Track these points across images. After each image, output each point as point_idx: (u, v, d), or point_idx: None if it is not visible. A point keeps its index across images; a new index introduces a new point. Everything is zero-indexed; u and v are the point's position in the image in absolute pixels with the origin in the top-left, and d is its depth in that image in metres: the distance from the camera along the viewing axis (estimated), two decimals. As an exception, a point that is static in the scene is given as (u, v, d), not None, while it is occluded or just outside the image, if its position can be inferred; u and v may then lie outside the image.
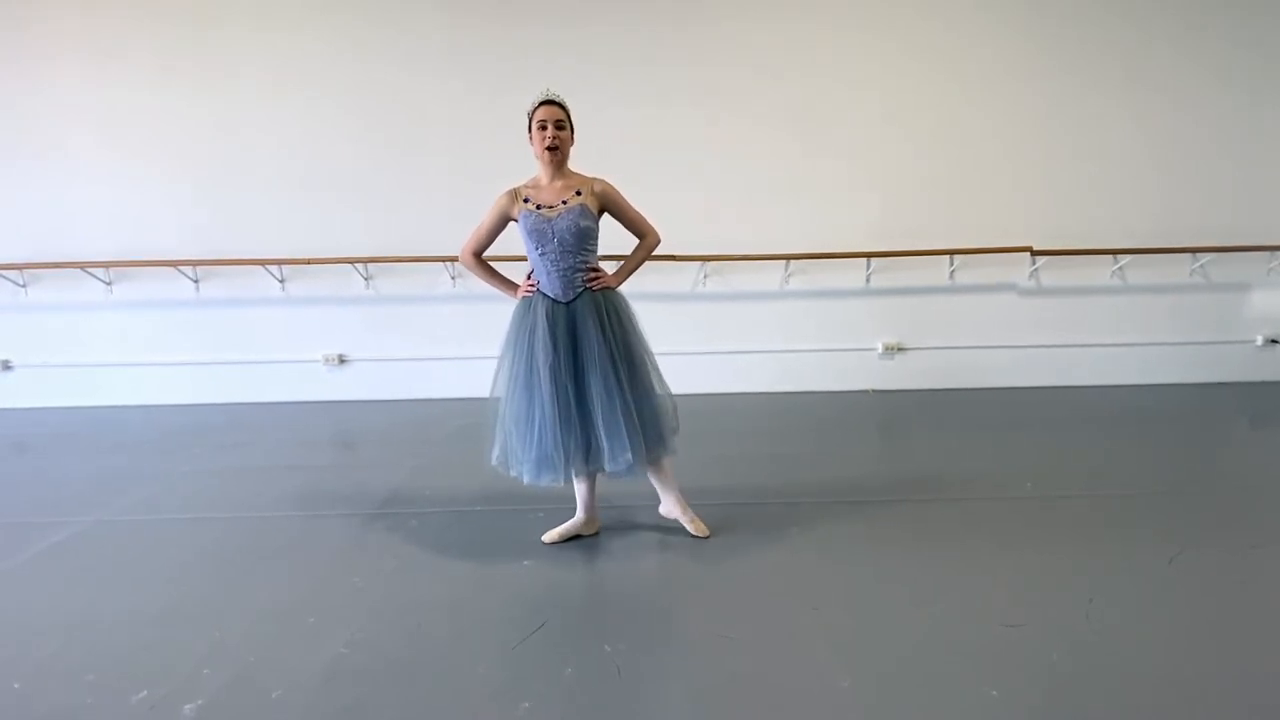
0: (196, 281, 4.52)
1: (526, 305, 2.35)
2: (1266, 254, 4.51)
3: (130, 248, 4.42)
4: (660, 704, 1.64)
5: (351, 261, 4.43)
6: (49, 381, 4.63)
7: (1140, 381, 4.64)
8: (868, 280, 4.56)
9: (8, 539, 2.61)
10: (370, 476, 3.22)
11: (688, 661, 1.81)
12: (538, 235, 2.25)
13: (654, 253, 2.48)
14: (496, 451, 2.40)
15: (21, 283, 4.51)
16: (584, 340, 2.28)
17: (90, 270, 4.43)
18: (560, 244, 2.25)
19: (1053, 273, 4.56)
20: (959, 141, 4.41)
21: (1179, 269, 4.55)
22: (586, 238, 2.28)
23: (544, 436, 2.25)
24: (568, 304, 2.29)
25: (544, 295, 2.31)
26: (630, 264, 2.46)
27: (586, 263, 2.31)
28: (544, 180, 2.32)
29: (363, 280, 4.53)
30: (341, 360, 4.67)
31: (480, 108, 4.34)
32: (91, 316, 4.56)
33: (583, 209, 2.26)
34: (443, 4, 4.28)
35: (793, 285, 4.58)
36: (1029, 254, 4.45)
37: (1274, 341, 4.65)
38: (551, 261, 2.27)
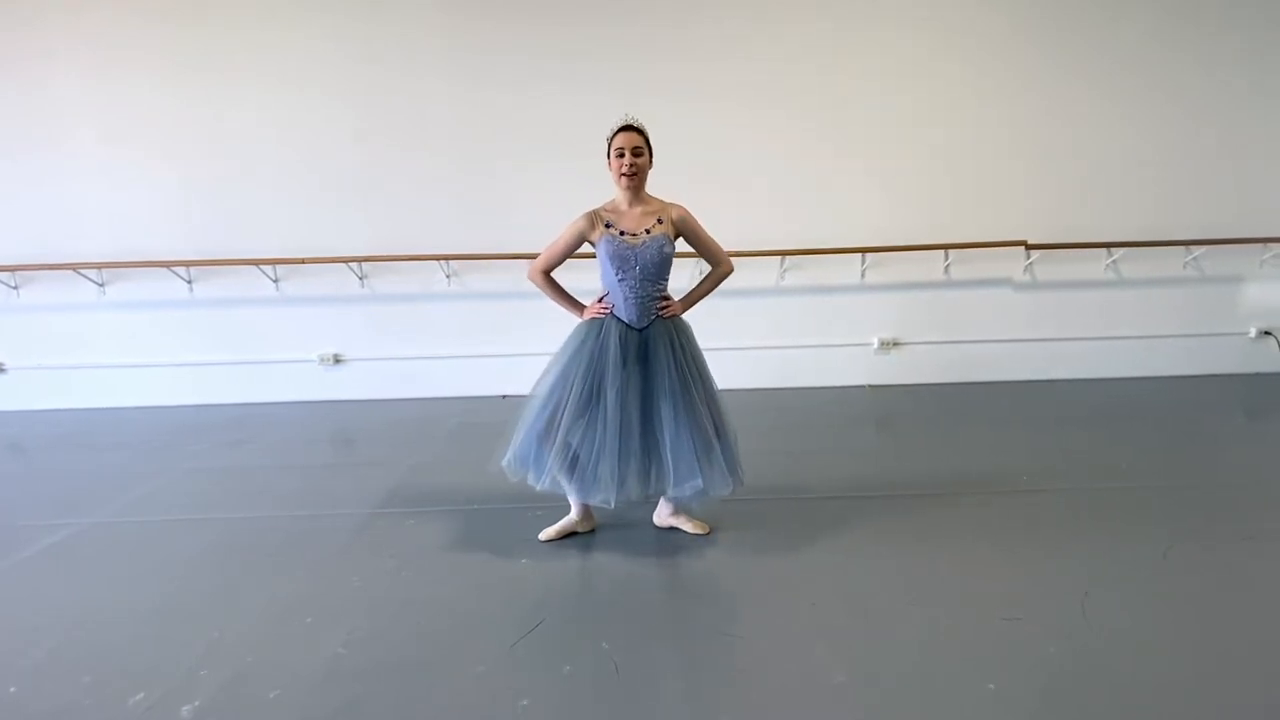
0: (190, 282, 4.50)
1: (596, 326, 2.33)
2: (1259, 246, 4.53)
3: (123, 248, 4.40)
4: (658, 701, 1.65)
5: (346, 261, 4.41)
6: (43, 383, 4.60)
7: (1134, 374, 4.65)
8: (863, 276, 4.57)
9: (4, 540, 2.60)
10: (368, 476, 3.21)
11: (685, 658, 1.82)
12: (620, 261, 2.26)
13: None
14: (509, 454, 2.36)
15: (14, 284, 4.48)
16: (655, 367, 2.29)
17: (83, 271, 4.41)
18: (643, 272, 2.27)
19: (1047, 267, 4.57)
20: (954, 137, 4.42)
21: (1172, 262, 4.56)
22: (667, 265, 2.31)
23: (600, 459, 2.26)
24: (640, 330, 2.31)
25: (617, 320, 2.31)
26: (699, 292, 2.46)
27: (661, 291, 2.34)
28: (623, 205, 2.33)
29: (358, 280, 4.52)
30: (337, 360, 4.66)
31: (477, 107, 4.33)
32: (85, 318, 4.54)
33: (666, 238, 2.29)
34: (441, 4, 4.27)
35: (788, 281, 4.58)
36: (1023, 248, 4.46)
37: (1267, 333, 4.67)
38: (630, 288, 2.28)
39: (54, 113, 4.31)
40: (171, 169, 4.38)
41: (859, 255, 4.50)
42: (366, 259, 4.44)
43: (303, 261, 4.39)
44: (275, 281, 4.51)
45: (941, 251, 4.50)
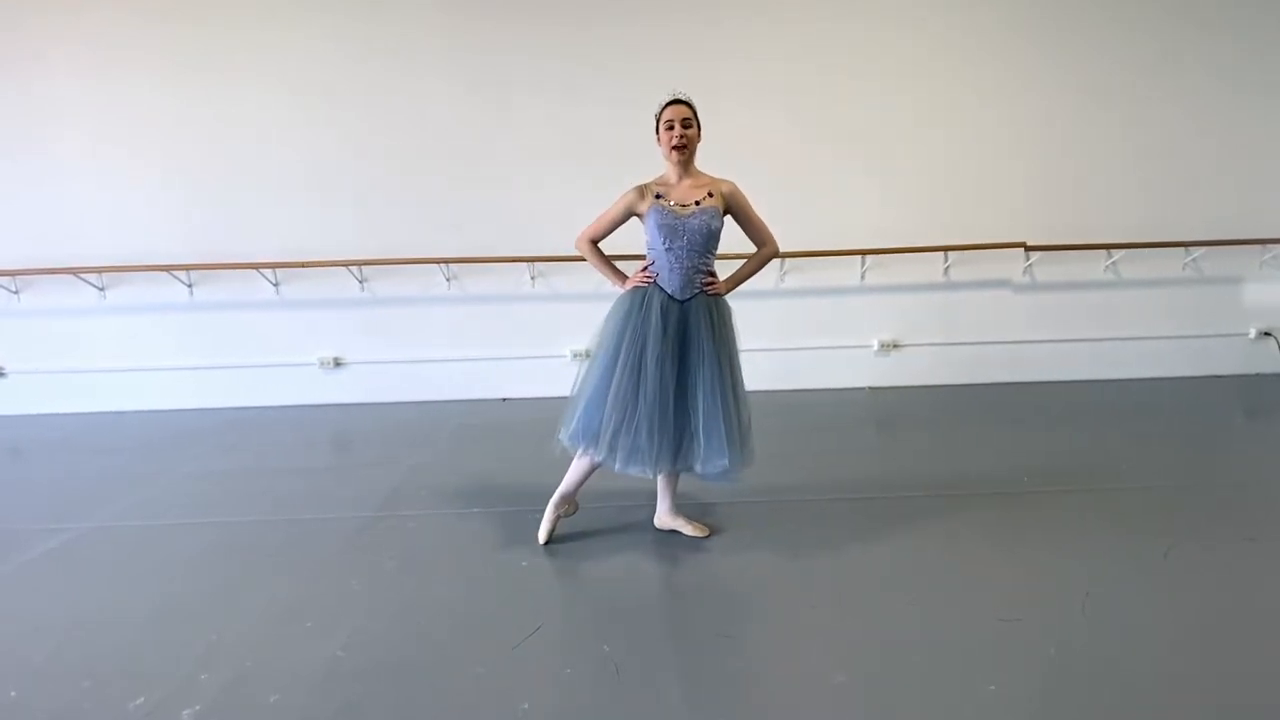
0: (190, 286, 4.50)
1: (639, 296, 2.33)
2: (1259, 247, 4.53)
3: (123, 252, 4.40)
4: (658, 703, 1.65)
5: (346, 264, 4.41)
6: (43, 387, 4.60)
7: (1134, 375, 4.65)
8: (863, 277, 4.57)
9: (4, 544, 2.60)
10: (368, 478, 3.21)
11: (685, 660, 1.82)
12: (668, 231, 2.26)
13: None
14: (570, 431, 2.34)
15: (14, 289, 4.48)
16: (693, 340, 2.30)
17: (83, 275, 4.41)
18: (690, 243, 2.27)
19: (1047, 268, 4.57)
20: (954, 137, 4.42)
21: (1172, 263, 4.56)
22: (714, 240, 2.32)
23: (640, 427, 2.25)
24: (682, 302, 2.31)
25: (660, 289, 2.32)
26: (743, 272, 2.47)
27: (707, 265, 2.34)
28: (673, 178, 2.35)
29: (358, 283, 4.52)
30: (337, 363, 4.66)
31: (477, 107, 4.33)
32: (85, 322, 4.53)
33: (715, 211, 2.30)
34: (441, 4, 4.27)
35: (788, 283, 4.58)
36: (1023, 250, 4.46)
37: (1266, 334, 4.67)
38: (677, 258, 2.28)
39: (53, 114, 4.30)
40: (171, 170, 4.37)
41: (859, 257, 4.50)
42: (366, 262, 4.43)
43: (303, 265, 4.39)
44: (275, 285, 4.51)
45: (941, 253, 4.50)
